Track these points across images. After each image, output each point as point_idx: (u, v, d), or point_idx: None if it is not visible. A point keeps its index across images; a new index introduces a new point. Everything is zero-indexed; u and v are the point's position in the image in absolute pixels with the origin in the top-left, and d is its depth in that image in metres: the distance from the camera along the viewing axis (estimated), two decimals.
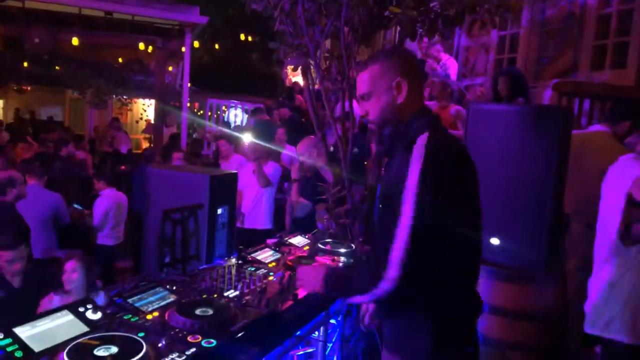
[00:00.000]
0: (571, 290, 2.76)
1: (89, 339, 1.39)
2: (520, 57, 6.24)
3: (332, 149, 3.47)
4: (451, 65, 6.44)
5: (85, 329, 1.45)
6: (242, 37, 13.53)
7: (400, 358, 1.56)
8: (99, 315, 1.51)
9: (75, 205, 5.04)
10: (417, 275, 1.39)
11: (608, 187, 2.28)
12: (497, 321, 2.68)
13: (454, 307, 1.51)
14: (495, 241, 2.73)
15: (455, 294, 1.51)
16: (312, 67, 3.27)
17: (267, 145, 5.08)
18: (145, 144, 12.32)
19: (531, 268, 2.68)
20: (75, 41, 9.25)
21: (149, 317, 1.57)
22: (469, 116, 2.98)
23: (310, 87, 3.52)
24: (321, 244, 2.57)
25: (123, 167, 6.83)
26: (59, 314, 1.49)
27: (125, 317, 1.54)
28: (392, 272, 1.38)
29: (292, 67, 3.84)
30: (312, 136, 4.39)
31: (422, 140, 1.45)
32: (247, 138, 5.53)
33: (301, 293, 1.88)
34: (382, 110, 1.57)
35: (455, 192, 1.43)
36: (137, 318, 1.55)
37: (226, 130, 9.90)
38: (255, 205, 4.81)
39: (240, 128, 9.36)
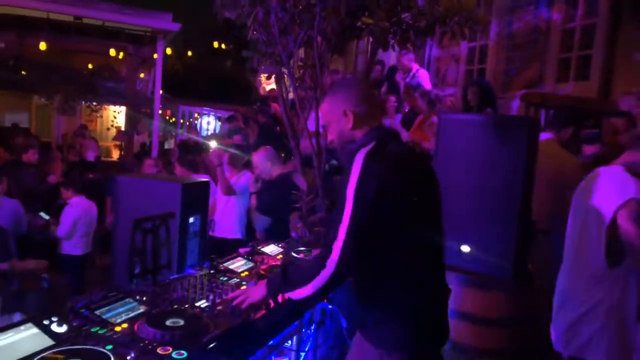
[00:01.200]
0: (539, 297, 2.82)
1: (54, 352, 1.35)
2: (489, 68, 6.40)
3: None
4: (422, 75, 6.54)
5: (51, 342, 1.41)
6: (216, 44, 13.47)
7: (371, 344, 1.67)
8: (64, 328, 1.47)
9: (42, 214, 4.88)
10: (353, 261, 1.58)
11: (580, 201, 2.29)
12: (466, 327, 2.72)
13: (396, 297, 1.66)
14: (465, 248, 2.78)
15: (398, 285, 1.65)
16: (285, 75, 3.28)
17: (231, 150, 5.06)
18: (115, 152, 12.09)
19: (500, 275, 2.73)
20: (42, 46, 9.04)
21: (118, 329, 1.53)
22: (440, 126, 3.03)
23: (284, 95, 3.52)
24: (295, 252, 2.56)
25: (91, 175, 6.67)
26: (22, 327, 1.44)
27: (92, 330, 1.50)
28: (333, 257, 1.58)
29: (266, 75, 3.84)
30: (269, 147, 4.40)
31: (365, 149, 1.66)
32: (214, 144, 5.50)
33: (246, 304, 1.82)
34: (340, 135, 1.82)
35: (390, 194, 1.60)
36: (105, 330, 1.51)
37: (196, 137, 9.83)
38: (225, 214, 4.77)
39: (213, 135, 9.28)
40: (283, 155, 5.00)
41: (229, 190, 4.62)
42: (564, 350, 2.28)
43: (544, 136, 3.35)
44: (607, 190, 2.15)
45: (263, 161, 4.21)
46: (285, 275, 1.71)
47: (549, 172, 2.67)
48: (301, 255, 2.50)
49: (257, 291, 1.78)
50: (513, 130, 2.80)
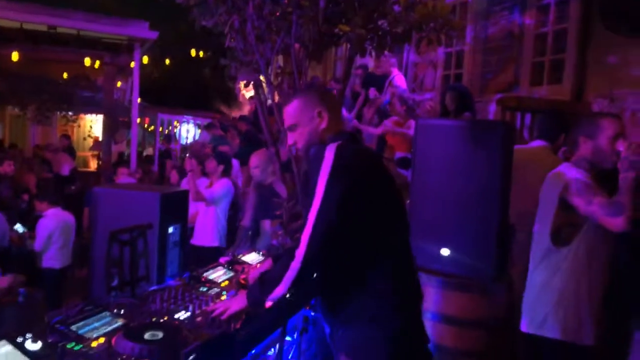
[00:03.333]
0: (517, 297, 2.86)
1: None
2: (465, 72, 6.49)
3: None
4: (399, 80, 6.60)
5: None
6: (193, 52, 13.38)
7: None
8: (39, 345, 1.44)
9: (17, 227, 4.77)
10: (320, 252, 1.59)
11: (543, 195, 2.40)
12: (448, 330, 2.74)
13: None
14: (445, 252, 2.81)
15: (371, 291, 1.65)
16: (263, 83, 3.27)
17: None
18: (93, 162, 11.90)
19: (480, 277, 2.77)
20: (15, 56, 8.86)
21: (94, 344, 1.50)
22: (418, 130, 3.06)
23: (263, 102, 3.52)
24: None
25: (73, 187, 6.55)
26: None
27: (68, 346, 1.47)
28: (300, 251, 1.59)
29: (244, 82, 3.82)
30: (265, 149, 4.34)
31: (333, 145, 1.68)
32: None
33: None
34: (309, 137, 1.82)
35: (357, 192, 1.62)
36: (81, 346, 1.48)
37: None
38: (203, 222, 4.74)
39: (192, 144, 9.21)
40: None
41: (198, 197, 4.59)
42: (527, 329, 2.36)
43: (535, 143, 3.41)
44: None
45: (265, 162, 4.00)
46: (262, 279, 1.72)
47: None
48: None
49: (238, 302, 1.77)
50: (489, 134, 2.85)
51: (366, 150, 1.87)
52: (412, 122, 5.30)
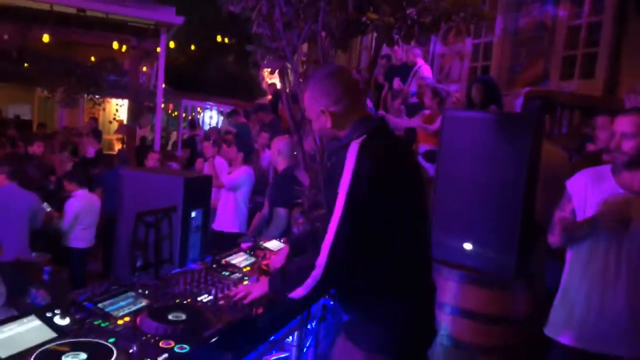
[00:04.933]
0: (540, 294, 2.82)
1: (57, 345, 1.35)
2: (493, 65, 6.37)
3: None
4: (425, 71, 6.52)
5: (53, 334, 1.41)
6: (219, 38, 13.43)
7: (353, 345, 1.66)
8: (67, 320, 1.47)
9: (44, 206, 4.89)
10: (342, 262, 1.54)
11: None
12: (468, 325, 2.72)
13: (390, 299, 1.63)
14: (467, 246, 2.78)
15: (386, 286, 1.62)
16: (289, 70, 3.26)
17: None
18: (117, 145, 12.09)
19: (501, 272, 2.73)
20: (46, 38, 9.03)
21: (120, 322, 1.53)
22: (444, 122, 3.02)
23: (288, 90, 3.51)
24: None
25: (97, 170, 6.67)
26: (25, 319, 1.44)
27: (95, 323, 1.50)
28: (320, 261, 1.54)
29: (269, 70, 3.82)
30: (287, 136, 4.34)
31: (356, 143, 1.59)
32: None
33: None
34: (320, 131, 1.78)
35: (378, 201, 1.55)
36: (107, 323, 1.51)
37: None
38: (223, 208, 4.80)
39: (213, 129, 9.25)
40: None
41: (216, 183, 4.64)
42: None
43: None
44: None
45: (284, 148, 3.99)
46: (284, 275, 1.69)
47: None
48: None
49: (260, 288, 1.77)
50: (517, 127, 2.79)
51: (392, 146, 1.67)
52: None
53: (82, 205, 4.79)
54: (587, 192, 2.17)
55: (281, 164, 4.09)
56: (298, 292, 1.60)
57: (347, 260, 1.55)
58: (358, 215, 1.52)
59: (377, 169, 1.55)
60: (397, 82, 6.32)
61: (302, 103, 1.82)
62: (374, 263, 1.61)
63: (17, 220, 4.16)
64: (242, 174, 4.83)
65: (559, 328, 2.21)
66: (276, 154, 4.00)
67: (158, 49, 9.18)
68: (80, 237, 4.82)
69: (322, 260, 1.53)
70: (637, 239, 2.02)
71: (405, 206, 1.64)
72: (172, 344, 1.42)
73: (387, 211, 1.57)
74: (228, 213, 4.78)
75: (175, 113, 14.03)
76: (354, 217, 1.52)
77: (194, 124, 11.31)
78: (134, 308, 1.65)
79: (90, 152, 7.82)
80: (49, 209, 4.89)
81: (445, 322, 2.77)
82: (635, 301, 2.04)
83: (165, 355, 1.36)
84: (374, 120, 1.73)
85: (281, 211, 3.86)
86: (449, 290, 2.78)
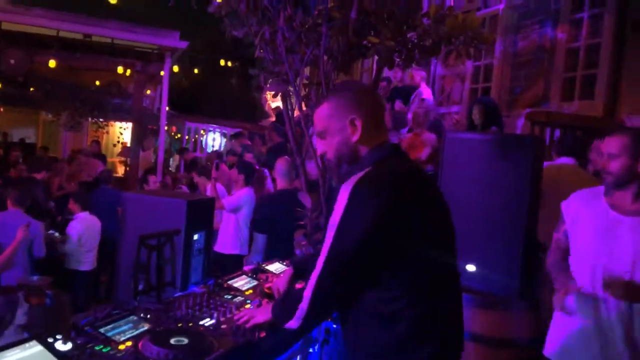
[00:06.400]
0: (546, 317, 2.79)
1: None
2: (494, 86, 6.43)
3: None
4: (426, 95, 6.58)
5: None
6: (222, 62, 13.60)
7: None
8: (69, 345, 1.46)
9: (51, 232, 4.90)
10: (328, 299, 1.46)
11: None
12: (475, 348, 2.68)
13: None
14: (470, 268, 2.76)
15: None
16: (291, 93, 3.30)
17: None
18: (120, 168, 12.15)
19: (505, 294, 2.71)
20: (52, 63, 9.16)
21: (122, 347, 1.52)
22: (445, 144, 3.04)
23: (290, 113, 3.54)
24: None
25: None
26: (27, 344, 1.43)
27: (96, 348, 1.49)
28: (307, 291, 1.45)
29: (272, 93, 3.87)
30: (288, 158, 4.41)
31: (354, 178, 1.41)
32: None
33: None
34: (338, 148, 1.54)
35: (381, 233, 1.37)
36: (109, 348, 1.50)
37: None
38: (224, 230, 4.80)
39: (215, 152, 9.31)
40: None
41: (217, 205, 4.65)
42: None
43: (560, 161, 3.34)
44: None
45: (288, 170, 4.16)
46: (283, 303, 1.64)
47: None
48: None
49: (262, 313, 1.73)
50: (518, 149, 2.81)
51: (399, 173, 1.47)
52: (427, 135, 5.35)
53: (84, 227, 4.79)
54: (578, 213, 2.17)
55: (279, 185, 4.19)
56: (291, 324, 1.53)
57: (336, 295, 1.45)
58: (347, 250, 1.39)
59: (378, 202, 1.37)
60: (398, 104, 6.38)
61: (315, 116, 1.59)
62: (369, 296, 1.44)
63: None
64: (243, 196, 4.84)
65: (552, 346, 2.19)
66: (276, 174, 4.09)
67: (162, 73, 9.30)
68: (83, 259, 4.82)
69: (307, 293, 1.45)
70: (625, 259, 2.00)
71: (426, 238, 1.43)
72: None
73: (399, 245, 1.39)
74: (229, 235, 4.78)
75: (179, 135, 14.13)
76: (342, 253, 1.39)
77: (182, 150, 11.32)
78: (135, 332, 1.64)
79: None
80: (56, 234, 4.89)
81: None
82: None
83: None
84: (389, 147, 1.55)
85: (258, 236, 4.00)
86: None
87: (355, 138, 1.51)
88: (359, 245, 1.37)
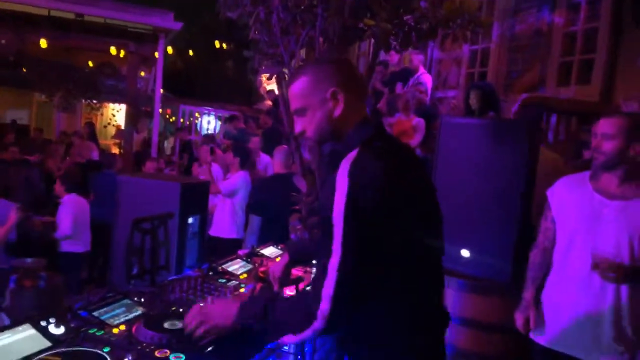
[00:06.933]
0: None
1: (51, 354, 1.34)
2: (490, 71, 6.39)
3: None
4: (426, 80, 6.56)
5: (48, 343, 1.40)
6: (217, 44, 13.44)
7: None
8: (62, 329, 1.46)
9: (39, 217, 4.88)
10: (348, 310, 1.28)
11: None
12: (467, 333, 2.71)
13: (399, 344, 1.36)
14: (465, 253, 2.77)
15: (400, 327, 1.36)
16: (286, 76, 3.26)
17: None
18: (115, 150, 12.08)
19: (499, 278, 2.73)
20: (43, 43, 9.01)
21: (115, 330, 1.52)
22: (441, 128, 3.02)
23: (285, 96, 3.51)
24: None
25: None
26: (19, 327, 1.43)
27: (90, 331, 1.49)
28: (323, 307, 1.25)
29: (267, 75, 3.83)
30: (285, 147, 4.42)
31: (347, 162, 1.29)
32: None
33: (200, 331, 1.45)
34: (318, 126, 1.40)
35: (386, 219, 1.27)
36: (102, 332, 1.50)
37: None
38: (220, 214, 4.79)
39: (208, 135, 9.25)
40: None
41: (214, 189, 4.64)
42: None
43: None
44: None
45: (287, 157, 4.22)
46: (268, 314, 1.35)
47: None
48: (300, 272, 2.37)
49: (224, 314, 1.43)
50: (514, 134, 2.80)
51: (390, 154, 1.36)
52: (417, 120, 5.38)
53: (73, 209, 4.76)
54: (563, 199, 2.19)
55: (275, 170, 4.23)
56: (287, 340, 1.34)
57: (353, 305, 1.28)
58: (363, 246, 1.25)
59: (373, 191, 1.26)
60: (399, 87, 6.37)
61: (289, 93, 1.45)
62: (374, 293, 1.33)
63: None
64: (239, 180, 4.83)
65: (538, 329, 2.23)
66: (274, 162, 4.12)
67: (156, 54, 9.19)
68: (78, 242, 4.79)
69: (323, 310, 1.25)
70: (610, 242, 2.02)
71: (413, 225, 1.34)
72: (168, 352, 1.40)
73: (393, 237, 1.29)
74: (225, 219, 4.78)
75: (173, 118, 14.03)
76: (358, 250, 1.24)
77: (178, 130, 11.24)
78: (129, 316, 1.64)
79: (94, 155, 7.81)
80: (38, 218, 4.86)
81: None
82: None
83: None
84: (374, 124, 1.44)
85: (253, 218, 4.07)
86: (448, 299, 2.77)
87: (337, 112, 1.38)
88: (372, 230, 1.26)
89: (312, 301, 1.28)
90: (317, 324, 1.26)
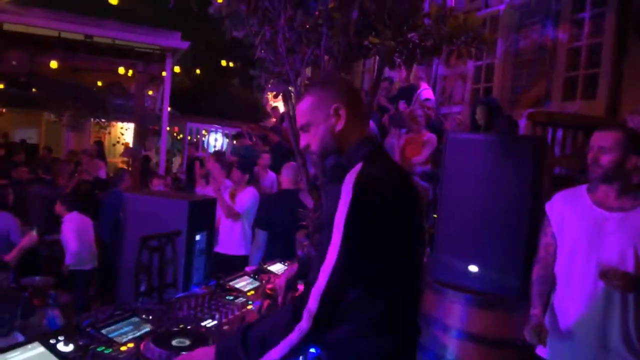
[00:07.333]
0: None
1: None
2: (495, 86, 6.42)
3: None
4: (428, 95, 6.59)
5: None
6: (224, 63, 13.60)
7: None
8: (71, 347, 1.47)
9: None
10: (333, 313, 1.32)
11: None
12: (474, 348, 2.68)
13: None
14: (473, 268, 2.76)
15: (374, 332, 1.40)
16: (292, 94, 3.30)
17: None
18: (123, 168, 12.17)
19: (506, 294, 2.71)
20: (53, 64, 9.17)
21: (123, 348, 1.53)
22: (447, 144, 3.03)
23: (291, 113, 3.54)
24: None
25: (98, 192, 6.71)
26: (29, 346, 1.43)
27: (98, 349, 1.50)
28: (310, 306, 1.29)
29: (273, 93, 3.87)
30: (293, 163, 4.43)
31: (353, 173, 1.38)
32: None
33: None
34: (322, 140, 1.51)
35: (384, 230, 1.37)
36: (110, 350, 1.51)
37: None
38: (228, 230, 4.77)
39: (216, 152, 9.30)
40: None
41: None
42: None
43: None
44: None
45: (295, 174, 4.23)
46: (246, 341, 1.33)
47: None
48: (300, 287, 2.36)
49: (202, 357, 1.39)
50: (519, 149, 2.80)
51: (387, 172, 1.47)
52: (429, 135, 5.38)
53: (75, 227, 4.79)
54: (563, 214, 2.18)
55: (283, 186, 4.23)
56: (271, 355, 1.30)
57: (338, 306, 1.33)
58: (359, 255, 1.33)
59: (378, 201, 1.36)
60: (402, 105, 6.39)
61: (296, 112, 1.56)
62: (370, 300, 1.40)
63: None
64: (251, 197, 4.82)
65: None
66: (282, 178, 4.13)
67: (164, 73, 9.32)
68: (84, 260, 4.81)
69: (311, 309, 1.28)
70: (614, 253, 2.01)
71: (401, 239, 1.43)
72: None
73: (382, 248, 1.38)
74: (235, 236, 4.75)
75: (181, 136, 14.15)
76: (353, 257, 1.32)
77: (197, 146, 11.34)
78: (137, 333, 1.65)
79: (102, 173, 7.87)
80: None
81: (451, 346, 2.73)
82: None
83: None
84: (373, 142, 1.54)
85: (259, 232, 4.07)
86: (455, 314, 2.75)
87: (339, 127, 1.49)
88: (368, 240, 1.35)
89: (300, 301, 1.32)
90: (304, 323, 1.29)
